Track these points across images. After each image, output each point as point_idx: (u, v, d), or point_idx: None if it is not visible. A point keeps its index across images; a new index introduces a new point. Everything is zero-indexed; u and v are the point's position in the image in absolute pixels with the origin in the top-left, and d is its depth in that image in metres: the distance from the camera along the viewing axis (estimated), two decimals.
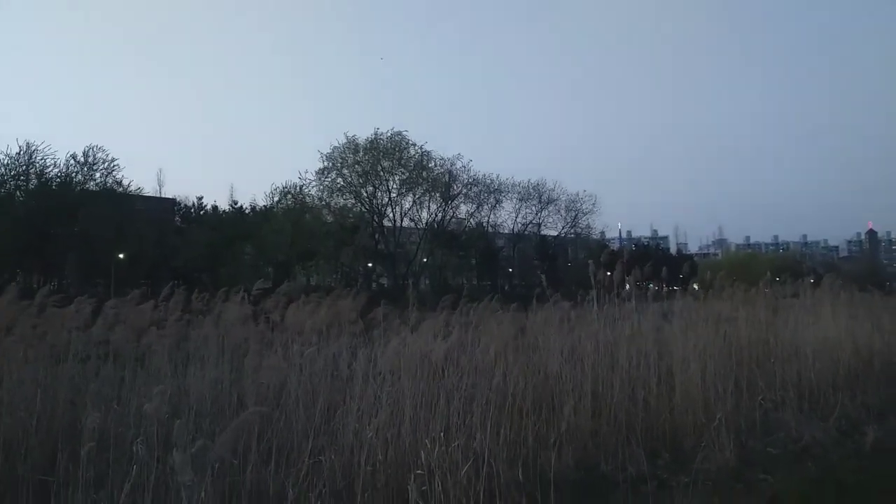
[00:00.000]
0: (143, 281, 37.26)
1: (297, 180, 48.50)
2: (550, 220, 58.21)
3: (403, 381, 5.31)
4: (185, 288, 8.36)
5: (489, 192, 54.00)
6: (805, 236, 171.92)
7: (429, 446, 4.47)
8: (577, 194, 57.71)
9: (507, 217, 56.99)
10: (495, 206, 55.34)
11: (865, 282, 15.68)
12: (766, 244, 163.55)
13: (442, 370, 5.84)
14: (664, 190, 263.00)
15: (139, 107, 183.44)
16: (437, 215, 51.86)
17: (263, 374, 5.92)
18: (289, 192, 48.23)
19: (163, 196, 54.11)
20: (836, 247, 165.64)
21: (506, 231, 57.90)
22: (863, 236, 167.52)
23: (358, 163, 47.93)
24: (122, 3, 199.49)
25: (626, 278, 7.95)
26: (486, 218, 55.50)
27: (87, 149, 42.41)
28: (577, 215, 57.86)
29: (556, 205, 57.38)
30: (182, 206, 55.04)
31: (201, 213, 53.08)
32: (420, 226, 51.83)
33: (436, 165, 49.93)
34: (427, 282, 53.30)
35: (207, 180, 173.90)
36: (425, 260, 52.75)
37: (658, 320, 8.18)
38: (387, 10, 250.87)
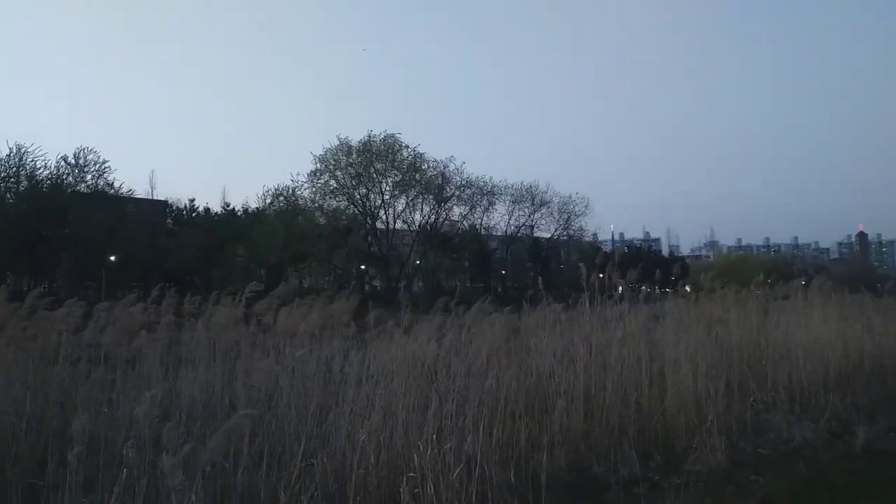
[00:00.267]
0: (135, 283, 37.12)
1: (290, 182, 48.52)
2: (543, 222, 58.46)
3: (396, 383, 5.31)
4: (177, 290, 8.31)
5: (482, 194, 54.12)
6: (796, 238, 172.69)
7: (421, 449, 4.47)
8: (570, 196, 58.04)
9: (500, 219, 57.14)
10: (488, 208, 55.48)
11: (856, 283, 15.74)
12: (758, 246, 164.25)
13: (434, 372, 5.84)
14: (656, 192, 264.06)
15: (131, 108, 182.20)
16: (430, 217, 51.98)
17: (255, 376, 5.90)
18: (281, 195, 48.13)
19: (154, 198, 53.99)
20: (827, 249, 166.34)
21: (499, 233, 57.98)
22: (853, 239, 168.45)
23: (351, 165, 47.96)
24: (112, 3, 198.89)
25: (619, 280, 7.96)
26: (479, 220, 55.63)
27: (77, 150, 42.20)
28: (569, 217, 58.13)
29: (548, 207, 57.62)
30: (174, 207, 54.80)
31: (193, 215, 52.88)
32: (413, 228, 51.89)
33: (429, 167, 50.09)
34: (420, 284, 53.27)
35: (199, 182, 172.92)
36: (418, 262, 52.78)
37: (650, 322, 8.20)
38: (379, 13, 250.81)
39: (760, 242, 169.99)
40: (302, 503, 4.07)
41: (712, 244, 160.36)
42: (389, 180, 49.03)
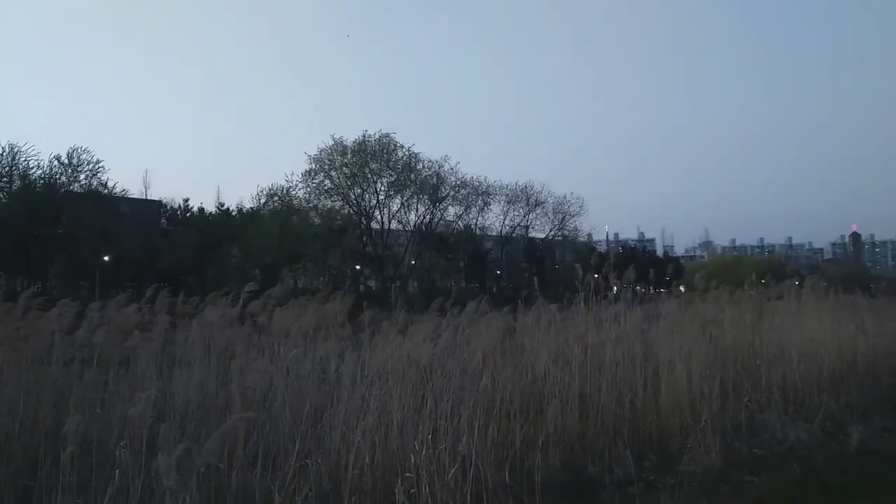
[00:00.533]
0: (129, 284, 37.05)
1: (285, 182, 48.42)
2: (538, 222, 58.53)
3: (391, 383, 5.30)
4: (171, 290, 8.28)
5: (477, 194, 54.14)
6: (790, 239, 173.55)
7: (416, 449, 4.46)
8: (565, 197, 58.12)
9: (495, 219, 57.20)
10: (483, 208, 55.55)
11: (850, 284, 15.77)
12: (752, 247, 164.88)
13: (429, 373, 5.83)
14: (651, 193, 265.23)
15: (124, 108, 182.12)
16: (425, 217, 51.90)
17: (250, 377, 5.88)
18: (275, 194, 48.01)
19: (148, 198, 53.65)
20: (821, 249, 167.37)
21: (494, 233, 58.02)
22: (847, 239, 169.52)
23: (345, 165, 47.82)
24: (106, 3, 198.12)
25: (614, 281, 7.96)
26: (474, 220, 55.71)
27: (71, 150, 42.00)
28: (564, 218, 58.21)
29: (543, 207, 57.70)
30: (168, 208, 54.54)
31: (187, 215, 52.67)
32: (408, 228, 51.80)
33: (424, 167, 49.99)
34: (415, 284, 53.25)
35: (194, 182, 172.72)
36: (413, 262, 52.72)
37: (644, 322, 8.21)
38: (376, 12, 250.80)
39: (755, 243, 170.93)
40: None
41: (707, 244, 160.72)
42: (384, 180, 48.93)
